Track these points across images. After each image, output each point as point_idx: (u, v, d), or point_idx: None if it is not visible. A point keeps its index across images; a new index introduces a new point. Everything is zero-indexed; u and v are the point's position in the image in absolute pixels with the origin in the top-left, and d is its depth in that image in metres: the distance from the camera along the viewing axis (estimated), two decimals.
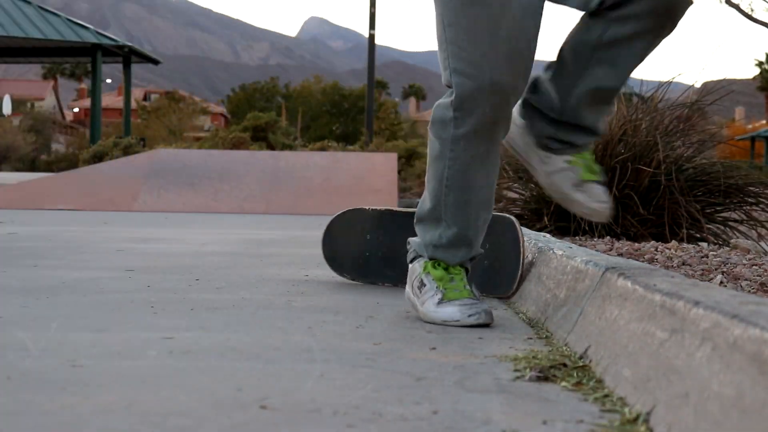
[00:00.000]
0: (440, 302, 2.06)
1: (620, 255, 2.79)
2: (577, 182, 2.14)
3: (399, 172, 12.06)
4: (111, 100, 74.81)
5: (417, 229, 2.20)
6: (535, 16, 2.03)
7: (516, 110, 2.19)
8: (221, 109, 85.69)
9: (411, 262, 2.22)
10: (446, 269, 2.13)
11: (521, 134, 2.21)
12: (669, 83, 4.33)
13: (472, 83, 1.98)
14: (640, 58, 2.08)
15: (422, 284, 2.13)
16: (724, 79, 4.86)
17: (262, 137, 28.18)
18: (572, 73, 2.12)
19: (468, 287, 2.12)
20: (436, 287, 2.09)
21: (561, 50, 2.15)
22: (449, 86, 2.04)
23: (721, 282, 2.25)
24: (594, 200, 2.12)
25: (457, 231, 2.12)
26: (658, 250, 3.00)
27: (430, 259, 2.15)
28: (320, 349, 1.70)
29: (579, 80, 2.10)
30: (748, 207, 3.95)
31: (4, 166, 41.64)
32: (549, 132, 2.17)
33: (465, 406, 1.27)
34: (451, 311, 2.04)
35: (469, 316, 2.02)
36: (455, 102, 2.02)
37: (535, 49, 2.04)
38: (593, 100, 2.13)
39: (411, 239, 2.25)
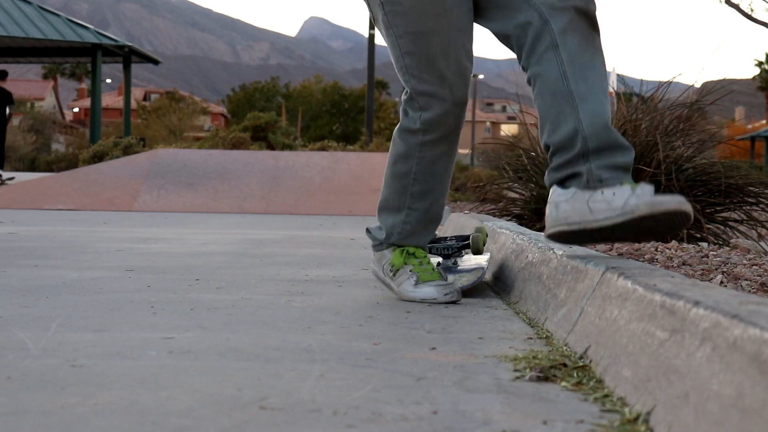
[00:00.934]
0: (417, 283, 2.42)
1: (620, 255, 2.79)
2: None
3: None
4: (111, 100, 74.86)
5: (380, 217, 2.54)
6: (469, 34, 2.39)
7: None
8: (221, 109, 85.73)
9: (375, 248, 2.55)
10: (413, 254, 2.48)
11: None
12: (669, 83, 4.33)
13: (439, 104, 2.35)
14: None
15: (394, 268, 2.48)
16: (724, 79, 4.86)
17: (262, 137, 28.18)
18: None
19: (437, 269, 2.49)
20: (410, 271, 2.45)
21: None
22: (410, 92, 2.38)
23: (721, 282, 2.25)
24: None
25: (421, 214, 2.48)
26: (658, 250, 3.00)
27: (398, 245, 2.50)
28: (320, 349, 1.70)
29: None
30: (748, 207, 3.95)
31: (4, 165, 41.63)
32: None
33: (465, 406, 1.27)
34: (428, 291, 2.39)
35: (445, 294, 2.38)
36: (423, 119, 2.38)
37: (472, 60, 2.40)
38: None
39: (370, 227, 2.58)
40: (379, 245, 2.53)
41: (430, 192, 2.47)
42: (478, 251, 2.77)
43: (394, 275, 2.47)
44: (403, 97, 2.43)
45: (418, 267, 2.44)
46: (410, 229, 2.49)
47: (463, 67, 2.36)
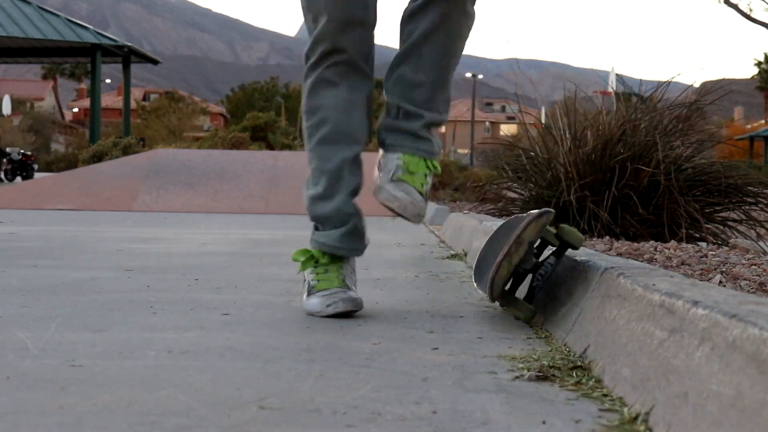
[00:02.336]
0: (309, 294, 2.14)
1: (619, 255, 2.79)
2: (395, 178, 2.22)
3: None
4: (110, 100, 74.82)
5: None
6: None
7: None
8: (221, 109, 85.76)
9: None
10: (327, 261, 2.18)
11: None
12: (668, 83, 4.34)
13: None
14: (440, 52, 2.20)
15: (304, 279, 2.20)
16: (723, 79, 4.87)
17: (261, 137, 28.21)
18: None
19: (341, 276, 2.16)
20: (312, 278, 2.16)
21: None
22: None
23: (720, 282, 2.25)
24: (401, 192, 2.19)
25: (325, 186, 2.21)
26: (657, 249, 3.00)
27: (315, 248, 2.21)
28: (319, 348, 1.70)
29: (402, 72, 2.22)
30: (746, 207, 3.95)
31: None
32: (386, 124, 2.28)
33: (464, 406, 1.27)
34: (314, 303, 2.11)
35: (327, 306, 2.08)
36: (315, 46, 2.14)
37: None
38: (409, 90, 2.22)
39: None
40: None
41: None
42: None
43: (303, 287, 2.22)
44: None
45: (321, 274, 2.18)
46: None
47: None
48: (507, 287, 2.09)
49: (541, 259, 2.15)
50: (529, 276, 2.15)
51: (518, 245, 2.00)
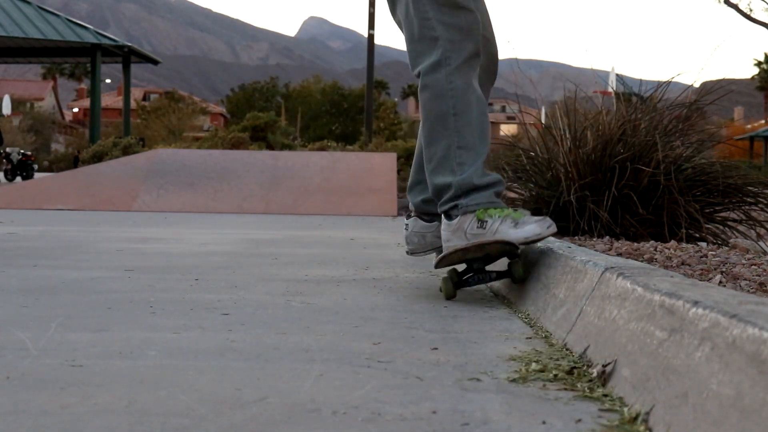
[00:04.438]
0: (516, 224, 2.38)
1: (619, 255, 2.79)
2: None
3: (398, 171, 12.06)
4: (110, 100, 74.85)
5: (443, 180, 2.47)
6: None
7: (418, 228, 2.88)
8: (221, 109, 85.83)
9: (451, 217, 2.45)
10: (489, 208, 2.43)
11: (434, 233, 2.79)
12: (668, 83, 4.33)
13: (457, 32, 2.49)
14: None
15: (482, 223, 2.40)
16: (723, 79, 4.87)
17: (261, 137, 28.19)
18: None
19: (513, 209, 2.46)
20: (500, 216, 2.40)
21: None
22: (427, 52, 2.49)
23: (720, 282, 2.25)
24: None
25: (478, 149, 2.46)
26: (657, 249, 3.00)
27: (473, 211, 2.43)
28: (319, 348, 1.71)
29: None
30: (747, 207, 3.95)
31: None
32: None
33: (464, 406, 1.27)
34: (532, 228, 2.38)
35: (548, 227, 2.38)
36: (444, 48, 2.47)
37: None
38: None
39: (444, 196, 2.48)
40: (453, 214, 2.45)
41: (476, 121, 2.51)
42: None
43: (485, 227, 2.39)
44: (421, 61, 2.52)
45: (503, 211, 2.42)
46: (476, 170, 2.45)
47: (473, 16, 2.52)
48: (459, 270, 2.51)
49: (488, 267, 2.48)
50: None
51: (479, 248, 2.39)
